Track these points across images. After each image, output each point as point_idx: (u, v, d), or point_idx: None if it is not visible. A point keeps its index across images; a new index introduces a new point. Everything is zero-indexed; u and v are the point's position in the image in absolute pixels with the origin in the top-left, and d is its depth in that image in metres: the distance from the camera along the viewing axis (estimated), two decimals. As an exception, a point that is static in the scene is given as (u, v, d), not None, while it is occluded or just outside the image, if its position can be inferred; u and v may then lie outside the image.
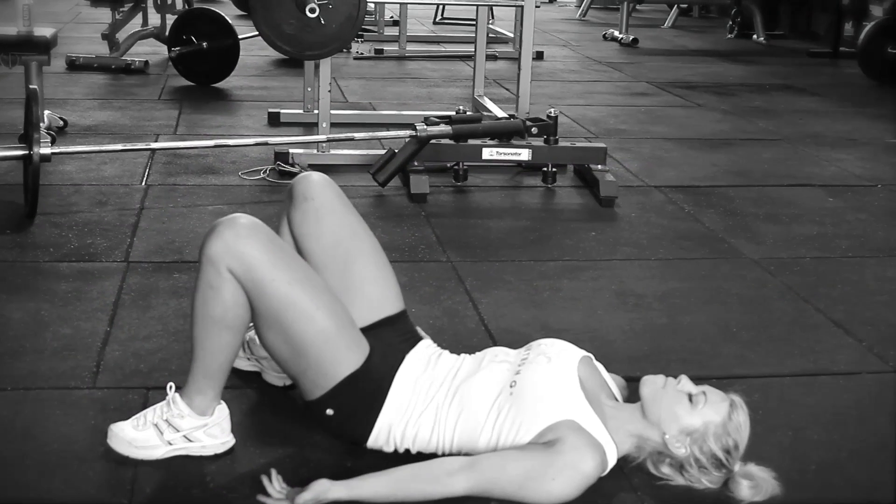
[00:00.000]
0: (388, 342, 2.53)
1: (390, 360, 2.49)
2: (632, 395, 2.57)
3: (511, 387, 2.41)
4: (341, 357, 2.41)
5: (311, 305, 2.36)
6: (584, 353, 2.54)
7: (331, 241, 2.61)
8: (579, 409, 2.37)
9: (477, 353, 2.58)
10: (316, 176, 2.69)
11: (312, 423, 2.52)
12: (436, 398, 2.44)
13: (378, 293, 2.62)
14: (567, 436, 2.30)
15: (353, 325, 2.47)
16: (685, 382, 2.43)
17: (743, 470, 2.38)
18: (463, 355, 2.58)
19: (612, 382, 2.54)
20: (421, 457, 2.42)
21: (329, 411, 2.43)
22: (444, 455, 2.43)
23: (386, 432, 2.45)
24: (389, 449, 2.47)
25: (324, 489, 2.24)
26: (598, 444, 2.33)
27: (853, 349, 3.26)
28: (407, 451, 2.46)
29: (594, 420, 2.36)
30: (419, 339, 2.61)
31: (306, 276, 2.41)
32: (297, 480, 2.32)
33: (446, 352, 2.60)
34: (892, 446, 2.69)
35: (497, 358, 2.52)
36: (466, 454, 2.41)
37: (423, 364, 2.51)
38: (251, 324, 2.45)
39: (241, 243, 2.33)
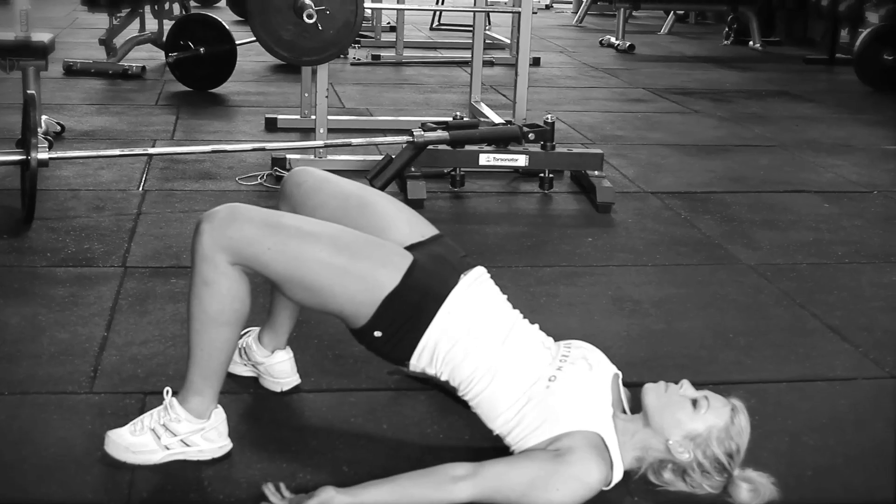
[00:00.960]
0: (438, 256, 2.49)
1: (443, 276, 2.44)
2: (631, 404, 2.57)
3: (550, 381, 2.41)
4: (373, 280, 2.36)
5: (314, 252, 2.34)
6: (616, 369, 2.55)
7: (339, 200, 2.59)
8: (605, 425, 2.38)
9: (530, 326, 2.55)
10: (299, 167, 2.71)
11: (360, 344, 2.48)
12: (486, 351, 2.41)
13: (408, 219, 2.59)
14: (580, 447, 2.30)
15: (378, 243, 2.42)
16: (687, 387, 2.44)
17: (742, 474, 2.38)
18: (517, 313, 2.55)
19: (626, 399, 2.54)
20: (428, 455, 2.43)
21: (377, 333, 2.39)
22: (462, 399, 2.44)
23: (430, 353, 2.41)
24: (432, 371, 2.44)
25: (329, 497, 2.23)
26: (608, 460, 2.34)
27: (849, 355, 3.26)
28: (444, 378, 2.44)
29: (613, 436, 2.38)
30: (470, 263, 2.55)
31: (298, 227, 2.39)
32: (296, 485, 2.32)
33: (502, 296, 2.56)
34: (889, 451, 2.70)
35: (546, 343, 2.52)
36: (479, 416, 2.43)
37: (481, 297, 2.48)
38: (246, 330, 2.45)
39: (226, 230, 2.34)
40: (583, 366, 2.46)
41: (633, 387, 2.58)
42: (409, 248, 2.47)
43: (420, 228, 2.58)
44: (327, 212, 2.56)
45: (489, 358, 2.41)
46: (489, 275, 2.57)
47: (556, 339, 2.64)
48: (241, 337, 2.64)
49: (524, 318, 2.56)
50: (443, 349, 2.41)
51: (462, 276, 2.47)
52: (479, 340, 2.42)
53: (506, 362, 2.42)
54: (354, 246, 2.39)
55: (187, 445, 2.45)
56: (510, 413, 2.40)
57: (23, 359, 2.96)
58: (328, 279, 2.35)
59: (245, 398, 2.79)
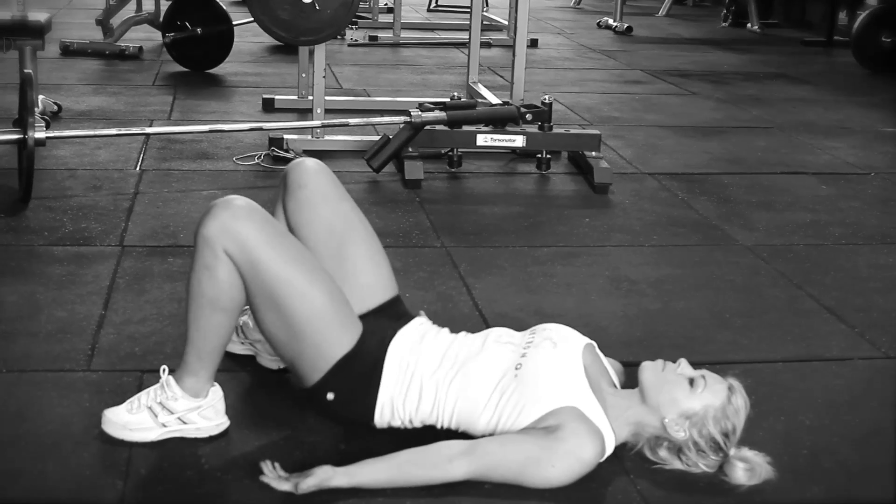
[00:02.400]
0: (381, 324, 2.54)
1: (382, 336, 2.49)
2: (628, 381, 2.58)
3: (516, 369, 2.42)
4: (336, 337, 2.41)
5: (306, 284, 2.37)
6: (587, 340, 2.54)
7: (324, 230, 2.62)
8: (582, 397, 2.38)
9: (479, 333, 2.59)
10: (310, 162, 2.69)
11: (316, 411, 2.52)
12: (437, 374, 2.44)
13: (371, 281, 2.63)
14: (568, 423, 2.31)
15: (348, 305, 2.47)
16: (685, 366, 2.44)
17: (738, 454, 2.39)
18: (463, 333, 2.59)
19: (612, 369, 2.55)
20: (426, 430, 2.44)
21: (330, 395, 2.44)
22: (442, 429, 2.44)
23: (390, 408, 2.45)
24: (398, 424, 2.47)
25: (327, 476, 2.25)
26: (598, 432, 2.34)
27: (845, 335, 3.27)
28: (413, 424, 2.46)
29: (596, 407, 2.37)
30: (412, 317, 2.62)
31: (301, 256, 2.42)
32: (292, 462, 2.33)
33: (444, 329, 2.61)
34: (884, 431, 2.71)
35: (501, 339, 2.53)
36: (464, 432, 2.43)
37: (418, 337, 2.52)
38: (245, 307, 2.46)
39: (238, 224, 2.34)
40: (547, 346, 2.47)
41: (631, 366, 2.60)
42: (361, 318, 2.52)
43: (377, 293, 2.63)
44: (311, 235, 2.61)
45: (440, 380, 2.44)
46: (430, 322, 2.63)
47: (552, 319, 2.65)
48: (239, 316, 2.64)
49: (471, 333, 2.60)
50: (399, 400, 2.45)
51: (399, 330, 2.53)
52: (423, 371, 2.45)
53: (461, 374, 2.43)
54: (337, 298, 2.44)
55: (184, 423, 2.45)
56: (488, 413, 2.40)
57: (20, 337, 2.97)
58: (307, 316, 2.38)
59: (242, 376, 2.80)
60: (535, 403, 2.35)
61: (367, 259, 2.64)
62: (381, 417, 2.47)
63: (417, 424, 2.47)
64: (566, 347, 2.47)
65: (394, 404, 2.45)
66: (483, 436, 2.41)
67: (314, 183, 2.65)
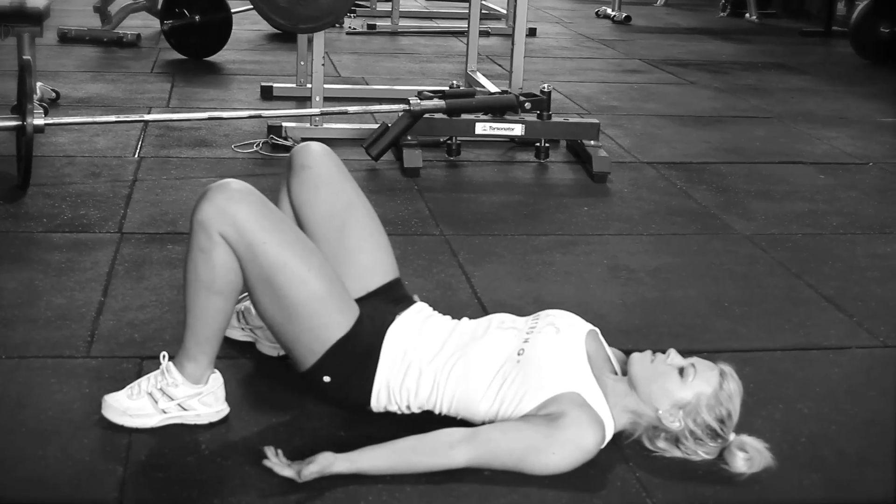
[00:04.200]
0: (379, 307, 2.55)
1: (380, 320, 2.50)
2: (624, 364, 2.58)
3: (518, 355, 2.42)
4: (333, 320, 2.41)
5: (302, 268, 2.37)
6: (591, 326, 2.55)
7: (326, 211, 2.62)
8: (585, 383, 2.38)
9: (481, 318, 2.59)
10: (315, 145, 2.70)
11: (313, 395, 2.53)
12: (436, 360, 2.44)
13: (371, 263, 2.64)
14: (570, 410, 2.31)
15: (344, 289, 2.48)
16: (674, 356, 2.44)
17: (738, 441, 2.40)
18: (464, 318, 2.60)
19: (614, 357, 2.55)
20: (427, 418, 2.44)
21: (326, 378, 2.44)
22: (440, 416, 2.45)
23: (386, 392, 2.46)
24: (394, 409, 2.48)
25: (328, 462, 2.25)
26: (599, 420, 2.34)
27: (843, 324, 3.28)
28: (411, 409, 2.47)
29: (598, 394, 2.38)
30: (412, 302, 2.63)
31: (297, 239, 2.42)
32: (292, 449, 2.33)
33: (446, 316, 2.61)
34: (882, 419, 2.72)
35: (504, 325, 2.53)
36: (463, 419, 2.43)
37: (419, 323, 2.53)
38: (245, 294, 2.46)
39: (233, 207, 2.34)
40: (550, 331, 2.47)
41: (627, 354, 2.60)
42: (359, 300, 2.53)
43: (377, 275, 2.63)
44: (313, 215, 2.62)
45: (440, 366, 2.44)
46: (430, 308, 2.63)
47: (551, 307, 2.65)
48: (238, 302, 2.64)
49: (473, 318, 2.61)
50: (395, 385, 2.45)
51: (398, 315, 2.53)
52: (425, 362, 2.45)
53: (462, 360, 2.44)
54: (333, 281, 2.44)
55: (184, 409, 2.46)
56: (488, 399, 2.41)
57: (20, 323, 2.97)
58: (303, 299, 2.38)
59: (242, 363, 2.80)
60: (538, 390, 2.36)
61: (368, 240, 2.65)
62: (377, 402, 2.47)
63: (415, 410, 2.48)
64: (569, 333, 2.48)
65: (390, 389, 2.45)
66: (483, 422, 2.41)
67: (319, 164, 2.66)
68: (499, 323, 2.54)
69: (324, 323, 2.41)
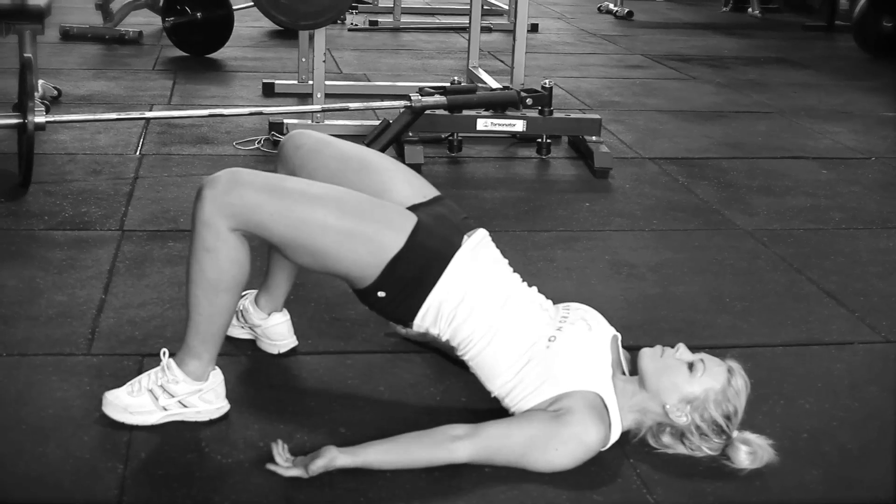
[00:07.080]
0: (442, 221, 2.48)
1: (444, 236, 2.45)
2: (631, 368, 2.58)
3: (550, 340, 2.42)
4: (378, 242, 2.36)
5: (318, 216, 2.34)
6: (614, 330, 2.55)
7: (339, 161, 2.58)
8: (604, 385, 2.39)
9: (530, 289, 2.56)
10: (297, 130, 2.70)
11: (362, 305, 2.50)
12: (493, 311, 2.42)
13: (408, 179, 2.59)
14: (578, 407, 2.32)
15: (382, 205, 2.43)
16: (683, 351, 2.44)
17: (741, 437, 2.40)
18: (517, 276, 2.56)
19: (625, 361, 2.54)
20: (431, 416, 2.45)
21: (381, 294, 2.40)
22: (458, 360, 2.47)
23: (435, 312, 2.42)
24: (435, 331, 2.45)
25: (332, 457, 2.26)
26: (606, 419, 2.35)
27: (845, 319, 3.27)
28: (445, 337, 2.45)
29: (612, 397, 2.38)
30: (472, 225, 2.56)
31: (301, 191, 2.38)
32: (292, 446, 2.33)
33: (505, 260, 2.58)
34: (883, 415, 2.71)
35: (543, 306, 2.52)
36: (476, 377, 2.45)
37: (489, 262, 2.49)
38: (244, 292, 2.45)
39: (230, 197, 2.32)
40: (582, 326, 2.47)
41: (631, 350, 2.60)
42: (412, 209, 2.47)
43: (422, 189, 2.57)
44: (327, 173, 2.55)
45: (490, 319, 2.42)
46: (490, 237, 2.57)
47: (554, 303, 2.65)
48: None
49: (523, 281, 2.57)
50: (447, 310, 2.42)
51: (465, 237, 2.48)
52: (481, 301, 2.42)
53: (506, 323, 2.42)
54: (359, 208, 2.39)
55: (185, 406, 2.46)
56: (510, 373, 2.41)
57: (21, 321, 2.97)
58: (333, 243, 2.35)
59: (242, 360, 2.80)
60: (557, 382, 2.36)
61: (393, 165, 2.61)
62: (422, 319, 2.44)
63: (449, 338, 2.45)
64: (599, 332, 2.49)
65: (440, 310, 2.41)
66: (493, 395, 2.44)
67: (311, 140, 2.64)
68: (541, 301, 2.54)
69: (367, 250, 2.36)
